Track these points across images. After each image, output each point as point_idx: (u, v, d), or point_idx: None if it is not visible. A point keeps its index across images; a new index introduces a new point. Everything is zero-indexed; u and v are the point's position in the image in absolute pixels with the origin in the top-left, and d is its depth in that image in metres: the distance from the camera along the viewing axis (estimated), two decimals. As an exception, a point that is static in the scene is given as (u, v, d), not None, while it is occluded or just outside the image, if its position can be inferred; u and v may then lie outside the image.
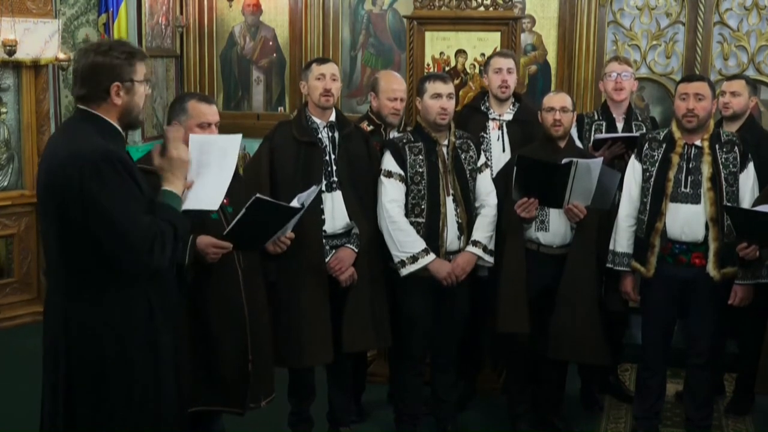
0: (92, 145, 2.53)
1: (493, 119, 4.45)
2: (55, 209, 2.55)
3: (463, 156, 3.98)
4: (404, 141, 3.96)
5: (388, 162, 3.92)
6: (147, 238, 2.51)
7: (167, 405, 2.72)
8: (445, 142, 3.95)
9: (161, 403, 2.70)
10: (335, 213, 3.84)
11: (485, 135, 4.41)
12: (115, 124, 2.65)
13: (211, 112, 3.29)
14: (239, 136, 2.98)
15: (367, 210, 3.91)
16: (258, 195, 3.12)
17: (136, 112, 2.68)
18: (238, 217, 3.16)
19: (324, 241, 3.82)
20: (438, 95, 3.89)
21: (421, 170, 3.89)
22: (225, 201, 3.10)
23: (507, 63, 4.38)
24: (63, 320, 2.59)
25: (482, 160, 4.06)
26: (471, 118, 4.46)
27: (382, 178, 3.91)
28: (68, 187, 2.50)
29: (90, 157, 2.49)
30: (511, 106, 4.49)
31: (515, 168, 3.84)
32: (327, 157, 3.85)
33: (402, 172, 3.89)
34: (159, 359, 2.67)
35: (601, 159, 3.92)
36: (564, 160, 3.79)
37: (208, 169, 2.90)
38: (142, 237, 2.51)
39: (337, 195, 3.85)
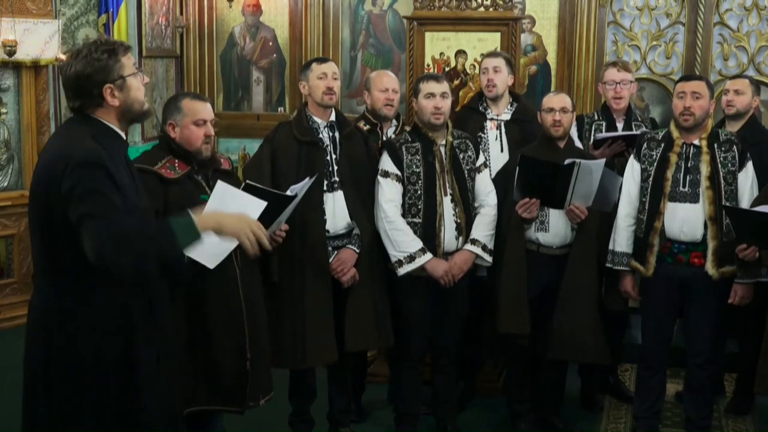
0: (81, 147, 2.45)
1: (491, 119, 4.46)
2: (39, 209, 2.50)
3: (461, 156, 3.98)
4: (401, 141, 3.96)
5: (385, 162, 3.92)
6: (106, 234, 2.33)
7: (148, 412, 2.62)
8: (443, 142, 3.95)
9: (142, 410, 2.61)
10: (336, 213, 3.84)
11: (483, 135, 4.41)
12: (114, 126, 2.59)
13: (205, 109, 3.29)
14: (264, 203, 2.88)
15: (368, 210, 3.91)
16: (248, 181, 3.07)
17: (137, 106, 2.60)
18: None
19: (326, 241, 3.82)
20: (431, 95, 3.89)
21: (417, 170, 3.89)
22: None
23: (492, 62, 4.40)
24: (45, 321, 2.55)
25: (481, 159, 4.06)
26: (469, 119, 4.47)
27: (379, 178, 3.91)
28: (51, 187, 2.43)
29: (74, 158, 2.41)
30: (509, 106, 4.49)
31: (517, 168, 3.84)
32: (328, 157, 3.85)
33: (399, 173, 3.89)
34: (137, 366, 2.58)
35: (603, 161, 3.92)
36: (567, 161, 3.79)
37: None
38: (100, 232, 2.33)
39: (339, 195, 3.85)
